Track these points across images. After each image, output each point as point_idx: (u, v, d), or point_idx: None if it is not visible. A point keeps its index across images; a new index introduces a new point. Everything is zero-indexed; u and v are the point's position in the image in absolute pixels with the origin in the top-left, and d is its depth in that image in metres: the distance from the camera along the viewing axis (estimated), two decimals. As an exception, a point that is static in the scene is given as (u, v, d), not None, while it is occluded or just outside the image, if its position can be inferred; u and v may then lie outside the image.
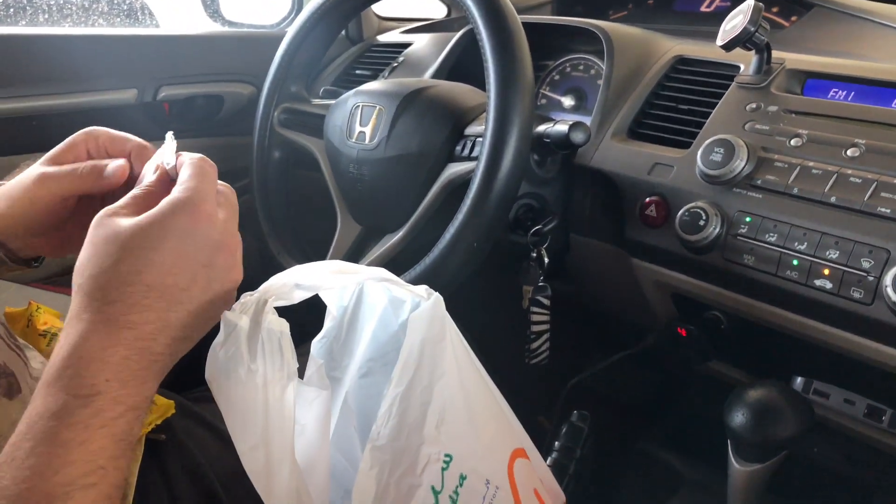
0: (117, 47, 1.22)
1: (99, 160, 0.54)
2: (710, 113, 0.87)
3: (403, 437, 0.48)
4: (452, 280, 0.81)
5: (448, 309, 0.53)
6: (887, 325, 0.68)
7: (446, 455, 0.49)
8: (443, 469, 0.49)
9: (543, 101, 1.20)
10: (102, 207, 0.48)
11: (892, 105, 0.78)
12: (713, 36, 0.86)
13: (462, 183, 0.82)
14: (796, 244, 0.73)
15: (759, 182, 0.78)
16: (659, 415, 1.39)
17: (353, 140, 0.92)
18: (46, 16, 1.30)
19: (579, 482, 0.97)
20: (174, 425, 0.64)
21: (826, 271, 0.71)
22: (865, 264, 0.68)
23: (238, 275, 0.48)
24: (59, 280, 1.03)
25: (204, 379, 0.45)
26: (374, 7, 1.51)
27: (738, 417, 0.76)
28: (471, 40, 1.18)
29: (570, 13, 1.38)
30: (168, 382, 0.46)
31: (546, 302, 0.94)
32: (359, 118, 0.92)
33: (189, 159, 0.49)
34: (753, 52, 0.86)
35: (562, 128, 0.82)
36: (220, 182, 0.50)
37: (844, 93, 0.83)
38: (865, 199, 0.70)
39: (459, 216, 0.78)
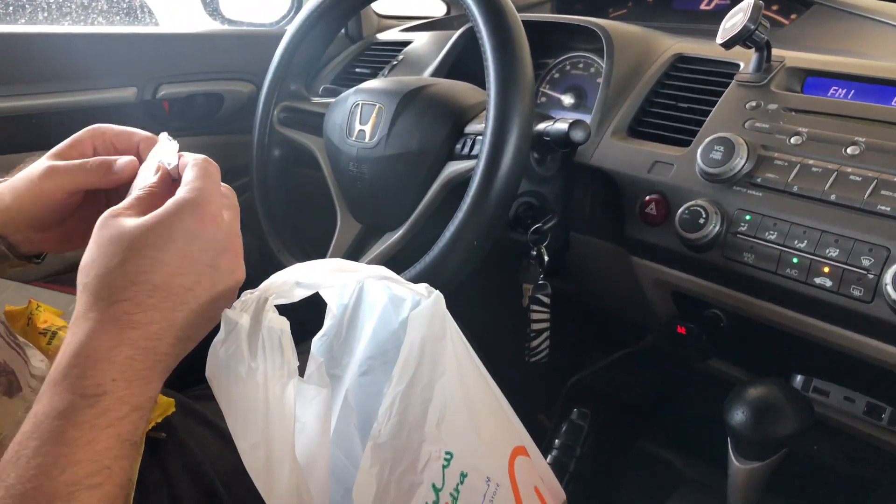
0: (117, 46, 1.22)
1: (107, 156, 0.54)
2: (710, 111, 0.87)
3: (404, 434, 0.48)
4: (452, 278, 0.81)
5: (448, 307, 0.53)
6: (887, 322, 0.68)
7: (447, 453, 0.49)
8: (444, 467, 0.49)
9: (543, 99, 1.20)
10: (107, 205, 0.48)
11: (892, 103, 0.78)
12: (713, 34, 0.86)
13: (462, 181, 0.82)
14: (796, 242, 0.73)
15: (759, 180, 0.78)
16: (659, 413, 1.39)
17: (353, 138, 0.92)
18: (46, 14, 1.30)
19: (579, 480, 0.98)
20: (174, 423, 0.64)
21: (826, 269, 0.71)
22: (865, 262, 0.68)
23: (241, 275, 0.48)
24: (60, 279, 1.02)
25: (204, 377, 0.45)
26: (374, 5, 1.51)
27: (738, 415, 0.76)
28: (470, 38, 1.18)
29: (569, 11, 1.38)
30: (168, 380, 0.46)
31: (546, 300, 0.94)
32: (359, 116, 0.92)
33: (193, 160, 0.49)
34: (753, 50, 0.86)
35: (562, 126, 0.82)
36: (221, 183, 0.50)
37: (844, 91, 0.83)
38: (865, 197, 0.70)
39: (459, 214, 0.78)
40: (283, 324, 0.46)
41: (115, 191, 0.54)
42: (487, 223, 0.78)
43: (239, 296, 0.47)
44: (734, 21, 0.82)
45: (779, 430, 0.75)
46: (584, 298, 1.16)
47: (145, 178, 0.51)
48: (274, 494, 0.43)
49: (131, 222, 0.44)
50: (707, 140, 0.80)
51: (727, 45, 0.83)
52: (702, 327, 0.91)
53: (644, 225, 0.87)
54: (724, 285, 0.82)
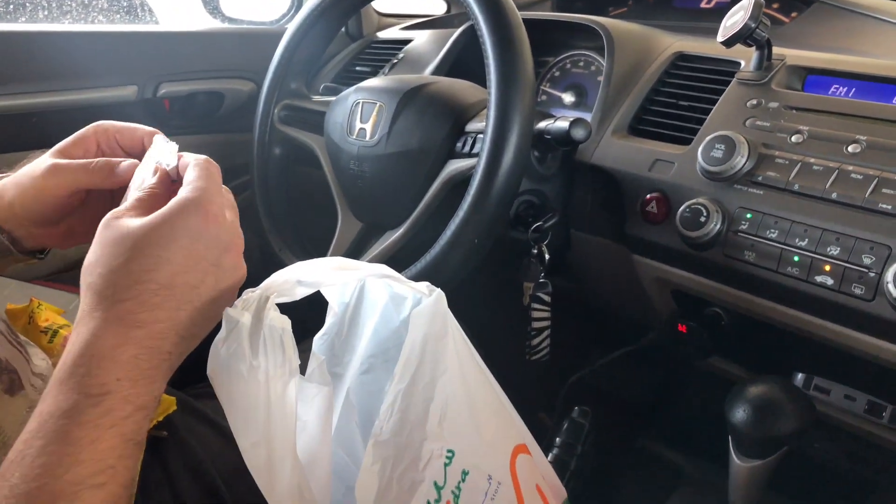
0: (117, 44, 1.22)
1: (111, 158, 0.54)
2: (711, 109, 0.87)
3: (406, 433, 0.48)
4: (453, 277, 0.81)
5: (448, 305, 0.53)
6: (888, 321, 0.68)
7: (449, 451, 0.49)
8: (445, 465, 0.49)
9: (544, 97, 1.20)
10: (111, 202, 0.48)
11: (893, 101, 0.78)
12: (713, 32, 0.85)
13: (463, 179, 0.82)
14: (797, 240, 0.73)
15: (759, 178, 0.78)
16: (660, 411, 1.39)
17: (354, 137, 0.92)
18: (46, 13, 1.30)
19: (580, 478, 0.98)
20: (176, 422, 0.65)
21: (827, 267, 0.71)
22: (866, 260, 0.68)
23: (243, 274, 0.48)
24: (61, 277, 1.02)
25: (205, 375, 0.45)
26: (374, 4, 1.51)
27: (739, 413, 0.76)
28: (471, 37, 1.18)
29: (570, 9, 1.38)
30: (170, 379, 0.46)
31: (547, 298, 0.94)
32: (359, 115, 0.92)
33: (194, 160, 0.49)
34: (754, 48, 0.86)
35: (562, 124, 0.82)
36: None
37: (845, 89, 0.83)
38: (866, 195, 0.70)
39: (460, 213, 0.78)
40: (285, 322, 0.46)
41: (119, 189, 0.54)
42: (488, 221, 0.78)
43: (240, 294, 0.47)
44: (735, 19, 0.82)
45: (780, 429, 0.75)
46: (584, 297, 1.16)
47: (143, 180, 0.51)
48: (275, 493, 0.43)
49: (135, 222, 0.44)
50: (708, 138, 0.80)
51: (728, 43, 0.83)
52: (703, 325, 0.90)
53: (645, 223, 0.87)
54: (724, 283, 0.82)
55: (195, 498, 0.61)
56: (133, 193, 0.49)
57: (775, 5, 1.15)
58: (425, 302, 0.52)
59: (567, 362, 1.11)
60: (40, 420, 0.39)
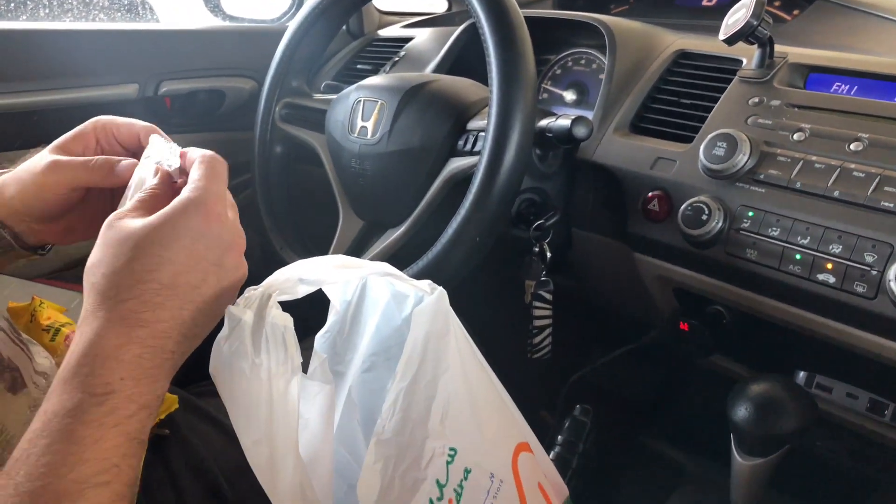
0: (118, 42, 1.22)
1: (111, 156, 0.54)
2: (713, 107, 0.87)
3: (408, 431, 0.48)
4: (455, 275, 0.81)
5: (450, 304, 0.53)
6: (890, 319, 0.68)
7: (451, 449, 0.50)
8: (447, 463, 0.49)
9: (545, 95, 1.20)
10: (112, 200, 0.48)
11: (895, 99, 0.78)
12: (715, 30, 0.85)
13: (464, 178, 0.82)
14: (799, 238, 0.73)
15: (761, 176, 0.77)
16: (661, 409, 1.39)
17: (355, 135, 0.92)
18: (47, 11, 1.30)
19: (582, 476, 0.98)
20: (178, 420, 0.65)
21: (829, 266, 0.71)
22: (869, 258, 0.68)
23: (244, 273, 0.49)
24: (63, 275, 1.02)
25: (207, 373, 0.45)
26: (375, 1, 1.51)
27: (741, 411, 0.76)
28: (472, 34, 1.18)
29: (571, 7, 1.38)
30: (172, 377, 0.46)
31: (548, 297, 0.94)
32: (360, 113, 0.92)
33: (200, 157, 0.49)
34: (756, 46, 0.86)
35: (564, 122, 0.82)
36: None
37: (847, 87, 0.83)
38: (869, 193, 0.70)
39: (462, 211, 0.78)
40: (287, 320, 0.46)
41: (119, 188, 0.54)
42: (490, 220, 0.78)
43: (242, 292, 0.47)
44: (737, 17, 0.82)
45: (782, 427, 0.75)
46: (586, 295, 1.16)
47: (144, 180, 0.51)
48: (277, 491, 0.43)
49: (137, 222, 0.44)
50: (710, 136, 0.80)
51: (730, 41, 0.83)
52: (704, 324, 0.90)
53: (647, 221, 0.87)
54: (726, 282, 0.82)
55: (197, 496, 0.61)
56: (134, 194, 0.49)
57: (777, 3, 1.15)
58: (427, 300, 0.52)
59: (569, 360, 1.11)
60: (45, 419, 0.39)
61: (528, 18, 0.81)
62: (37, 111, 1.11)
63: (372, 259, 0.86)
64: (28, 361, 0.56)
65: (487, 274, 1.00)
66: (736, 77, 0.88)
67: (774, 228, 0.75)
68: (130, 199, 0.49)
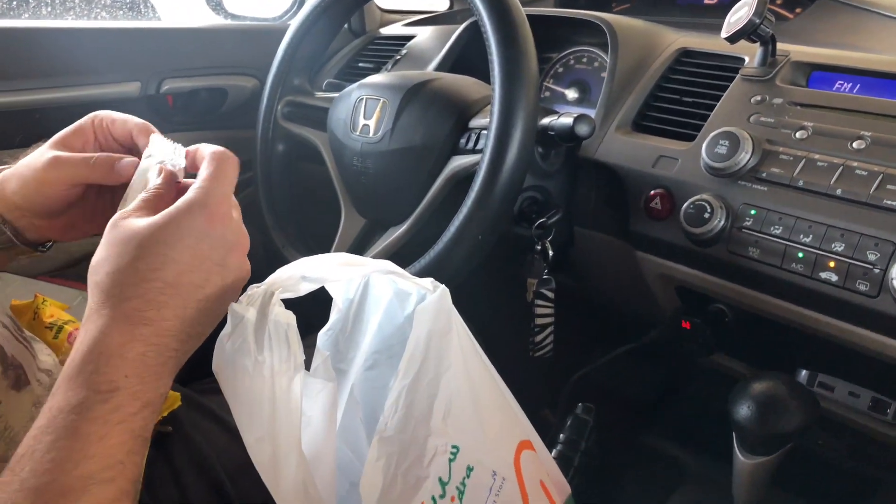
0: (120, 40, 1.22)
1: (111, 153, 0.54)
2: (715, 105, 0.87)
3: (410, 428, 0.48)
4: (457, 273, 0.81)
5: (452, 302, 0.53)
6: (893, 317, 0.68)
7: (453, 447, 0.50)
8: (450, 460, 0.49)
9: (547, 93, 1.20)
10: (112, 198, 0.48)
11: (898, 97, 0.78)
12: (717, 28, 0.85)
13: (466, 176, 0.82)
14: (801, 237, 0.73)
15: (764, 175, 0.77)
16: (663, 408, 1.39)
17: (357, 133, 0.92)
18: (49, 9, 1.30)
19: (584, 474, 0.98)
20: (181, 417, 0.65)
21: (831, 264, 0.71)
22: (871, 257, 0.68)
23: (247, 272, 0.49)
24: (65, 273, 1.03)
25: (210, 371, 0.45)
26: (377, 0, 1.51)
27: (743, 410, 0.76)
28: (474, 33, 1.18)
29: (573, 5, 1.37)
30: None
31: (550, 295, 0.94)
32: (362, 111, 0.92)
33: (210, 154, 0.49)
34: (758, 44, 0.86)
35: (566, 120, 0.82)
36: None
37: (850, 85, 0.83)
38: (871, 191, 0.70)
39: (464, 209, 0.78)
40: (290, 317, 0.46)
41: (119, 185, 0.54)
42: (492, 218, 0.78)
43: (245, 290, 0.47)
44: (739, 15, 0.82)
45: (784, 425, 0.75)
46: (588, 293, 1.16)
47: (147, 179, 0.51)
48: (280, 488, 0.43)
49: (141, 222, 0.44)
50: (712, 134, 0.80)
51: (732, 39, 0.83)
52: (706, 322, 0.90)
53: (649, 219, 0.87)
54: (728, 280, 0.82)
55: (200, 493, 0.61)
56: (137, 194, 0.49)
57: (779, 1, 1.15)
58: (429, 298, 0.52)
59: (570, 359, 1.11)
60: (50, 416, 0.40)
61: (530, 16, 0.81)
62: (38, 109, 1.11)
63: (374, 257, 0.86)
64: (31, 359, 0.56)
65: (489, 272, 1.00)
66: (738, 75, 0.88)
67: (777, 227, 0.75)
68: (133, 198, 0.49)
